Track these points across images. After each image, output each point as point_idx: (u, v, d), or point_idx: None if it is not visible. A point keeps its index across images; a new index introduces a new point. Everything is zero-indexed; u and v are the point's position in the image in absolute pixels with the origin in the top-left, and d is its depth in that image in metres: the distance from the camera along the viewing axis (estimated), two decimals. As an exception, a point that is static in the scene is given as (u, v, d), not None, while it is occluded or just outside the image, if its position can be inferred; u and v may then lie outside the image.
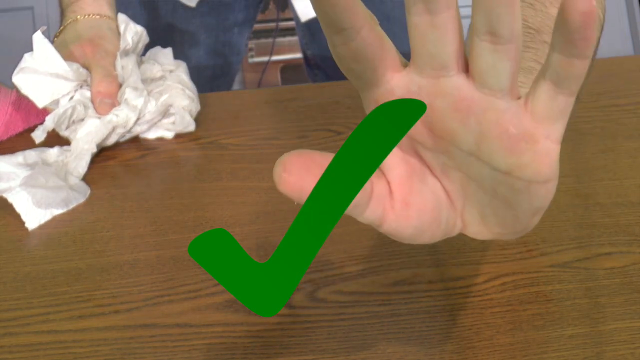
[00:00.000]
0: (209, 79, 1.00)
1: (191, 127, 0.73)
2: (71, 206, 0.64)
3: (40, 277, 0.57)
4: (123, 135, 0.72)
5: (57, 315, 0.53)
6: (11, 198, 0.62)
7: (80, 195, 0.65)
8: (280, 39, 2.01)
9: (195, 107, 0.74)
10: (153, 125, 0.73)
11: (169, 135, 0.73)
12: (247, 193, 0.64)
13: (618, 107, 0.74)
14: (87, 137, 0.69)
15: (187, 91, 0.74)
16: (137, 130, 0.72)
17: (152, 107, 0.72)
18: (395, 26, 0.99)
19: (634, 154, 0.67)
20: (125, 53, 0.74)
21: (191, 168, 0.68)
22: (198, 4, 0.96)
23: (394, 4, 0.97)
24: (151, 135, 0.73)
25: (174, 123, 0.73)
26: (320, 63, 1.04)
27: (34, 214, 0.62)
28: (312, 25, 1.00)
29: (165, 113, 0.73)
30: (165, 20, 0.98)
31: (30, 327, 0.52)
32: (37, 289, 0.55)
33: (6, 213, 0.62)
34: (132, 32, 0.75)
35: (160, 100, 0.72)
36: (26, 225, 0.61)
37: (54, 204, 0.63)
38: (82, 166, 0.67)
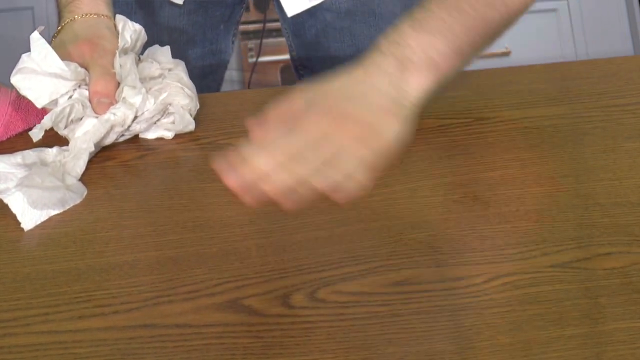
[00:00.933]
0: (198, 78, 1.00)
1: (191, 126, 0.73)
2: (67, 207, 0.64)
3: (40, 278, 0.56)
4: (122, 134, 0.72)
5: (57, 316, 0.53)
6: (6, 199, 0.62)
7: (76, 195, 0.65)
8: (280, 39, 2.01)
9: (195, 106, 0.74)
10: (152, 124, 0.73)
11: (169, 135, 0.73)
12: (247, 193, 0.64)
13: (618, 107, 0.74)
14: (85, 136, 0.69)
15: (186, 90, 0.74)
16: (137, 128, 0.72)
17: (151, 105, 0.71)
18: (382, 21, 0.99)
19: (634, 154, 0.67)
20: (124, 52, 0.74)
21: (191, 168, 0.68)
22: (185, 2, 0.96)
23: (379, 0, 0.97)
24: (151, 135, 0.73)
25: (173, 122, 0.73)
26: (305, 62, 1.04)
27: (30, 215, 0.62)
28: (296, 24, 1.00)
29: (164, 112, 0.73)
30: (152, 19, 0.97)
31: (30, 328, 0.52)
32: (37, 289, 0.55)
33: (6, 213, 0.62)
34: (130, 30, 0.75)
35: (159, 98, 0.72)
36: (22, 225, 0.61)
37: (50, 205, 0.63)
38: (79, 166, 0.67)
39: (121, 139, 0.73)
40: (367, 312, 0.53)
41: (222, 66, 1.07)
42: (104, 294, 0.55)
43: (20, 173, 0.65)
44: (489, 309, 0.52)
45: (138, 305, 0.54)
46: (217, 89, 1.08)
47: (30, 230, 0.61)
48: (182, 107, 0.73)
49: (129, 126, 0.71)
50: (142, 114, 0.71)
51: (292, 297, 0.54)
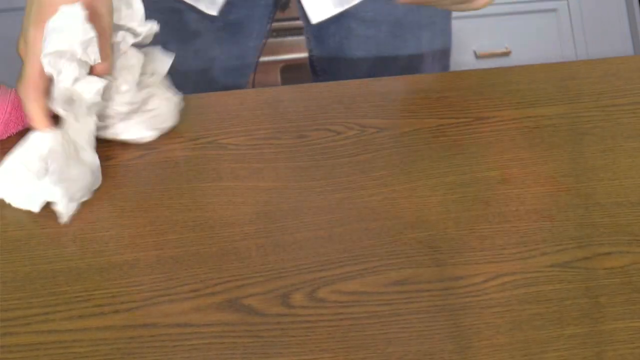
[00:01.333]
0: (221, 89, 0.99)
1: (172, 121, 0.72)
2: (93, 190, 0.65)
3: (40, 277, 0.57)
4: (105, 125, 0.70)
5: (57, 315, 0.53)
6: (46, 195, 0.63)
7: (97, 179, 0.66)
8: (281, 39, 2.01)
9: (175, 105, 0.73)
10: (135, 111, 0.71)
11: (150, 135, 0.72)
12: (246, 193, 0.64)
13: (618, 107, 0.74)
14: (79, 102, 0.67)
15: (168, 93, 0.72)
16: (117, 110, 0.70)
17: (132, 86, 0.70)
18: (407, 32, 0.98)
19: (634, 153, 0.67)
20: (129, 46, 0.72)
21: (191, 168, 0.68)
22: (218, 16, 0.93)
23: (406, 9, 0.96)
24: (131, 135, 0.71)
25: (155, 116, 0.72)
26: (326, 66, 1.03)
27: (68, 208, 0.62)
28: (320, 28, 0.99)
29: (146, 101, 0.71)
30: (176, 35, 0.95)
31: (30, 327, 0.52)
32: (37, 288, 0.56)
33: (6, 213, 0.63)
34: (146, 27, 0.72)
35: (142, 90, 0.71)
36: (61, 220, 0.61)
37: (82, 195, 0.64)
38: (87, 131, 0.67)
39: (107, 134, 0.71)
40: (367, 311, 0.53)
41: (244, 84, 1.05)
42: (104, 293, 0.55)
43: (47, 165, 0.64)
44: (489, 308, 0.52)
45: (138, 304, 0.54)
46: None
47: (30, 229, 0.61)
48: (163, 100, 0.72)
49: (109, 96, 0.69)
50: (123, 94, 0.70)
51: (292, 297, 0.54)
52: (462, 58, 2.00)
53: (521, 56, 2.00)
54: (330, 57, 1.01)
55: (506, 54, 2.02)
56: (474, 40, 2.02)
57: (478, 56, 2.02)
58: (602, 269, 0.55)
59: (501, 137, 0.70)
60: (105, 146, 0.72)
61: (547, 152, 0.68)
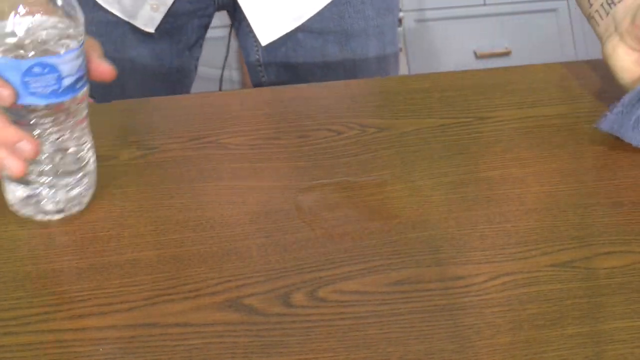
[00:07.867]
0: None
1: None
2: None
3: (41, 277, 0.57)
4: None
5: (57, 315, 0.53)
6: None
7: None
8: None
9: None
10: None
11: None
12: (247, 193, 0.64)
13: (618, 107, 0.74)
14: None
15: None
16: None
17: None
18: (353, 41, 0.97)
19: (634, 153, 0.67)
20: None
21: (191, 167, 0.68)
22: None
23: (352, 20, 0.96)
24: None
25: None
26: (272, 74, 1.00)
27: None
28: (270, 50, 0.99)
29: None
30: (113, 47, 0.94)
31: (31, 327, 0.52)
32: (37, 288, 0.56)
33: (7, 212, 0.63)
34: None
35: None
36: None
37: None
38: None
39: None
40: (368, 311, 0.53)
41: (185, 91, 1.03)
42: (104, 292, 0.55)
43: None
44: (489, 308, 0.52)
45: (138, 304, 0.54)
46: None
47: (31, 229, 0.61)
48: None
49: None
50: None
51: (293, 296, 0.54)
52: (462, 58, 2.00)
53: (521, 56, 2.00)
54: (277, 64, 0.99)
55: (506, 54, 2.02)
56: (474, 40, 2.02)
57: (478, 56, 2.02)
58: (602, 269, 0.55)
59: (501, 137, 0.70)
60: (105, 146, 0.72)
61: (548, 152, 0.68)
